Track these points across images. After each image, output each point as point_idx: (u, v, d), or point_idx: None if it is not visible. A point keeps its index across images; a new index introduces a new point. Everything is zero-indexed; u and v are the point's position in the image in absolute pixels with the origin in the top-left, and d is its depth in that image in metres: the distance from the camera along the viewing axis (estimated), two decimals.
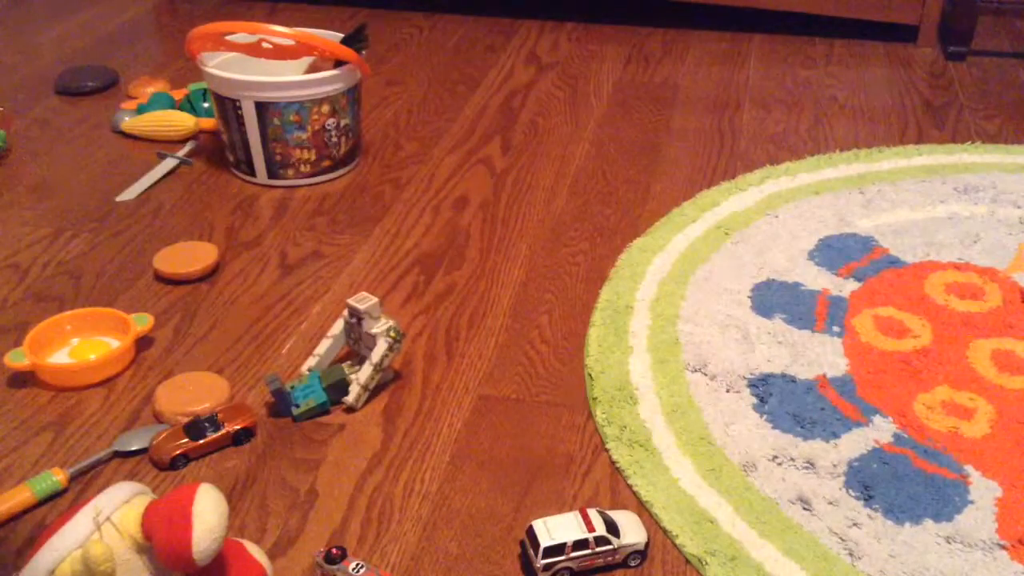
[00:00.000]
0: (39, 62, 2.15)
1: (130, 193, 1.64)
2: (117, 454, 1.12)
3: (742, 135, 1.83)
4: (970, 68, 2.13)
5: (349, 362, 1.21)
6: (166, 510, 0.84)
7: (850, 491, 1.06)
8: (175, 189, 1.66)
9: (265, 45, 1.65)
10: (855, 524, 1.02)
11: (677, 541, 1.01)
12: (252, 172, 1.66)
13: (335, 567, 0.94)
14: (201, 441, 1.10)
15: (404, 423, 1.17)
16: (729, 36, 2.29)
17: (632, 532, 0.98)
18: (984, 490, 1.07)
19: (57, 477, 1.06)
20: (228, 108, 1.61)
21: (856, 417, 1.17)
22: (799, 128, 1.86)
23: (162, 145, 1.79)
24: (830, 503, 1.05)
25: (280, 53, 1.65)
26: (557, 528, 0.96)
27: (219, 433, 1.11)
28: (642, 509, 1.05)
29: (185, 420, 1.14)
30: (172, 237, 1.52)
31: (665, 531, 1.02)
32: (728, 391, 1.20)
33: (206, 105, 1.86)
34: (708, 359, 1.25)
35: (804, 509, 1.04)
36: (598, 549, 0.96)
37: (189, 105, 1.86)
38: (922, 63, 2.15)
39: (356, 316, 1.19)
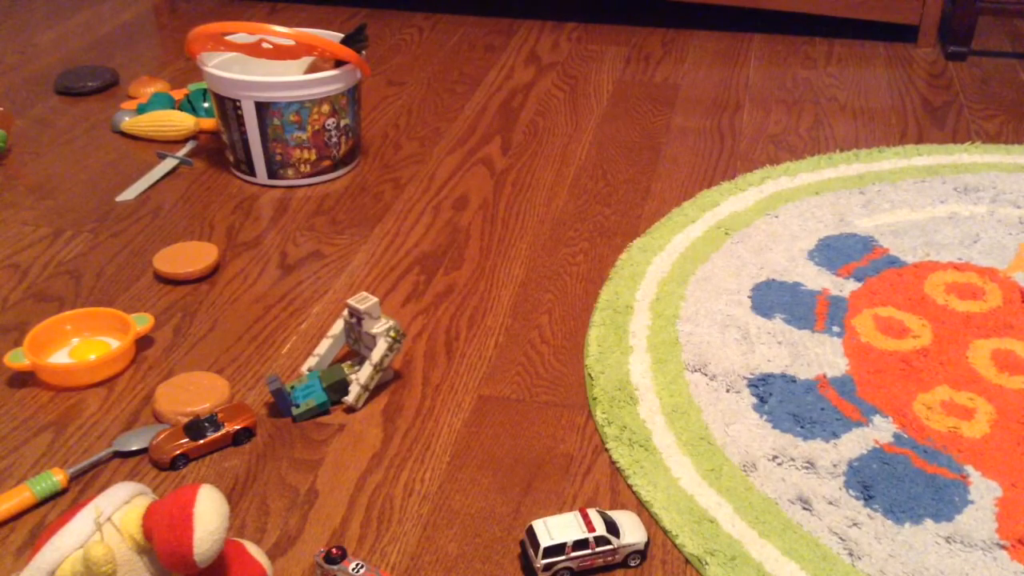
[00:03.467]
0: (39, 62, 2.15)
1: (130, 193, 1.64)
2: (117, 454, 1.12)
3: (742, 135, 1.83)
4: (970, 68, 2.13)
5: (349, 362, 1.21)
6: (167, 511, 0.84)
7: (850, 491, 1.06)
8: (175, 189, 1.66)
9: (265, 45, 1.65)
10: (855, 524, 1.02)
11: (677, 541, 1.01)
12: (252, 172, 1.66)
13: (335, 567, 0.94)
14: (201, 441, 1.10)
15: (404, 423, 1.17)
16: (729, 36, 2.29)
17: (632, 532, 0.98)
18: (984, 490, 1.07)
19: (57, 477, 1.06)
20: (228, 108, 1.61)
21: (856, 417, 1.17)
22: (799, 128, 1.86)
23: (162, 145, 1.79)
24: (830, 503, 1.05)
25: (280, 53, 1.65)
26: (557, 528, 0.96)
27: (219, 433, 1.11)
28: (642, 509, 1.05)
29: (185, 420, 1.14)
30: (172, 237, 1.52)
31: (665, 531, 1.02)
32: (728, 391, 1.20)
33: (206, 105, 1.86)
34: (708, 359, 1.25)
35: (804, 509, 1.04)
36: (598, 549, 0.96)
37: (189, 105, 1.86)
38: (922, 63, 2.15)
39: (356, 316, 1.19)
